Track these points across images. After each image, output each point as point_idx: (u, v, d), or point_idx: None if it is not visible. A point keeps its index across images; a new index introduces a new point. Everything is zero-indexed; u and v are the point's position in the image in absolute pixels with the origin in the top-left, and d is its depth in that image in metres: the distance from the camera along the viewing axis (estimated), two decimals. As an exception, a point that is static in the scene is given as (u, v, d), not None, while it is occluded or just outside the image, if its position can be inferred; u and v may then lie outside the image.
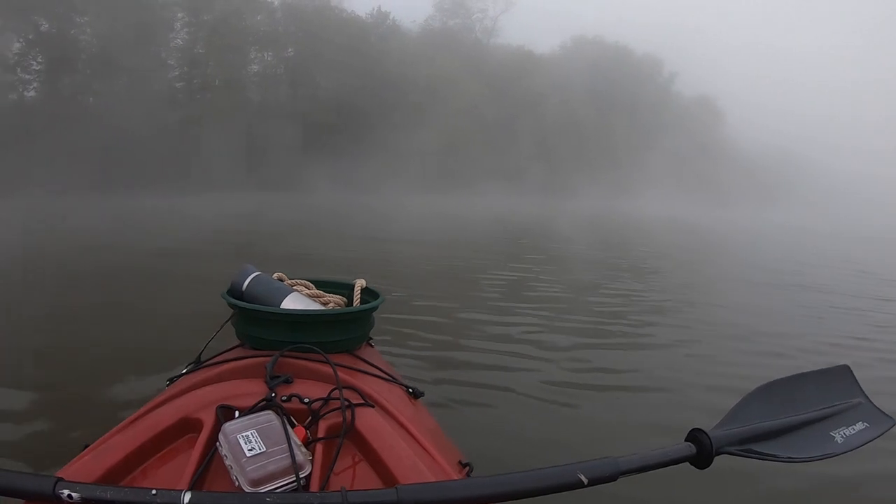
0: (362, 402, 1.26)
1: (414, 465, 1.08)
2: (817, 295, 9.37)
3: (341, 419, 1.16)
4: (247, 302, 1.63)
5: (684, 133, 50.59)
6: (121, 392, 3.72)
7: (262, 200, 24.97)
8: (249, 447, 0.99)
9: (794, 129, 60.00)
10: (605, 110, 47.21)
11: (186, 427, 1.14)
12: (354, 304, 1.82)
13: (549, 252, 13.56)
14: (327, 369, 1.36)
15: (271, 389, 1.23)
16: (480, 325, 6.09)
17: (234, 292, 1.71)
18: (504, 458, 2.96)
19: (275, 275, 1.85)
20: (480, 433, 3.35)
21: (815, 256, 15.95)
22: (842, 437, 1.18)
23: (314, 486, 1.00)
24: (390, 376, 1.61)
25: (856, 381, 1.31)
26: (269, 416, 1.08)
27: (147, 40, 30.29)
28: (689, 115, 53.14)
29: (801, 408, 1.19)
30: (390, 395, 1.42)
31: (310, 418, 1.18)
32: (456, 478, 1.14)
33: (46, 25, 29.34)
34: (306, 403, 1.21)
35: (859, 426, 1.21)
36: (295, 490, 0.97)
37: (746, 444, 1.09)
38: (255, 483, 0.95)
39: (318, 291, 1.88)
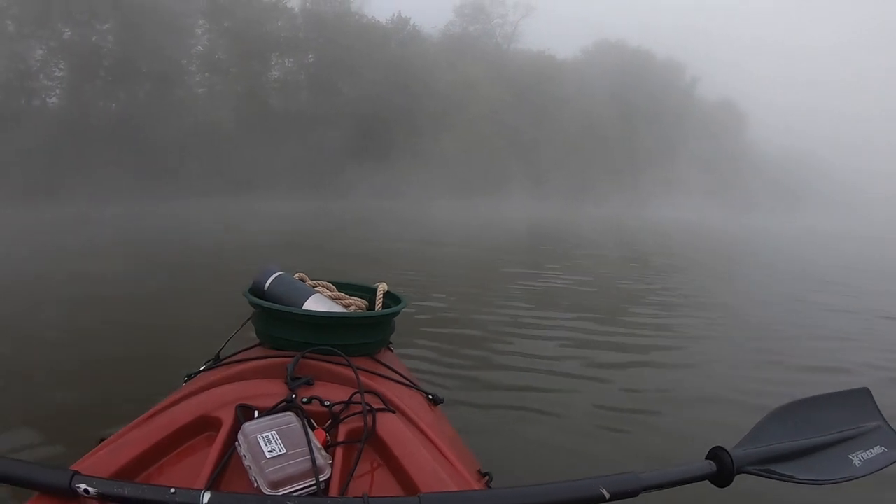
0: (383, 406, 1.25)
1: (435, 472, 1.05)
2: (851, 308, 8.86)
3: (362, 423, 1.15)
4: (268, 301, 1.62)
5: (708, 138, 50.03)
6: (137, 387, 3.64)
7: (298, 206, 25.42)
8: (269, 448, 0.98)
9: (819, 130, 58.97)
10: (627, 115, 46.75)
11: (205, 425, 1.12)
12: (377, 308, 1.81)
13: (573, 259, 13.42)
14: (348, 373, 1.35)
15: (292, 391, 1.23)
16: (501, 333, 5.99)
17: (256, 291, 1.71)
18: (522, 469, 2.95)
19: (296, 275, 1.85)
20: (498, 442, 3.34)
21: (849, 263, 15.54)
22: (860, 460, 1.17)
23: (333, 490, 0.98)
24: (410, 382, 1.59)
25: (875, 404, 1.30)
26: (289, 418, 1.07)
27: (169, 47, 30.36)
28: (712, 119, 52.47)
29: (819, 429, 1.18)
30: (411, 401, 1.40)
31: (330, 421, 1.17)
32: (476, 487, 1.11)
33: (69, 33, 29.51)
34: (327, 406, 1.20)
35: (877, 450, 1.19)
36: (314, 494, 0.95)
37: (766, 465, 1.08)
38: (275, 485, 0.93)
39: (339, 294, 1.87)
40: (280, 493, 0.93)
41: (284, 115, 33.66)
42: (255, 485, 0.96)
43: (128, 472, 0.98)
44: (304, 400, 1.21)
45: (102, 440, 1.11)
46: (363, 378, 1.33)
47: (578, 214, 30.59)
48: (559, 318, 6.77)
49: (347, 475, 1.02)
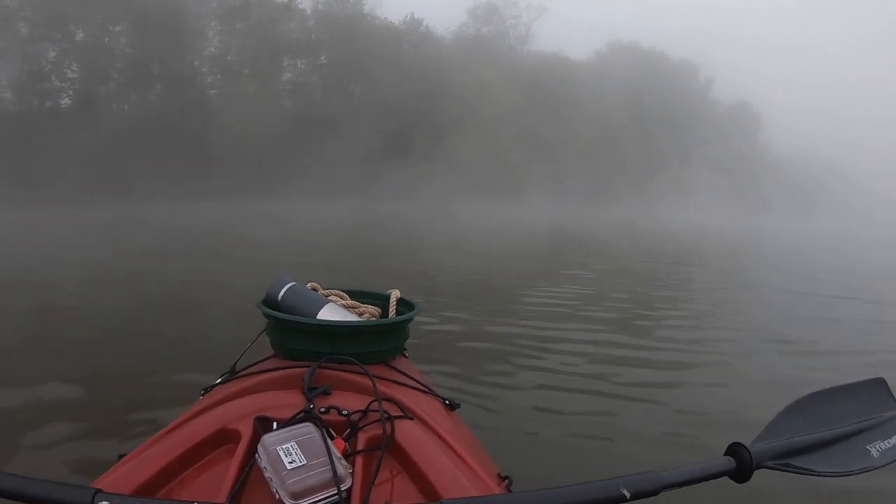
0: (401, 413, 1.25)
1: (455, 478, 1.05)
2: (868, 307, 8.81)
3: (381, 431, 1.14)
4: (282, 312, 1.62)
5: (723, 139, 49.69)
6: (155, 401, 3.64)
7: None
8: (290, 460, 0.97)
9: (835, 133, 58.36)
10: (641, 117, 46.50)
11: (224, 438, 1.12)
12: (390, 315, 1.80)
13: (589, 265, 13.14)
14: (364, 381, 1.35)
15: (309, 401, 1.22)
16: (516, 337, 5.90)
17: (270, 302, 1.70)
18: (542, 471, 2.92)
19: (308, 284, 1.84)
20: (517, 445, 3.32)
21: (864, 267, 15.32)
22: (878, 451, 1.16)
23: (355, 499, 0.98)
24: (426, 388, 1.58)
25: (891, 394, 1.30)
26: (308, 428, 1.06)
27: (181, 49, 30.38)
28: (726, 121, 52.13)
29: (836, 421, 1.18)
30: (428, 407, 1.39)
31: (349, 430, 1.17)
32: (497, 492, 1.11)
33: (82, 35, 29.61)
34: (345, 415, 1.20)
35: (895, 440, 1.19)
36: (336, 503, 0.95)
37: (784, 459, 1.09)
38: (296, 496, 0.93)
39: (353, 302, 1.86)
40: None
41: (307, 119, 33.78)
42: (277, 496, 0.96)
43: (149, 488, 0.99)
44: (322, 410, 1.20)
45: (122, 456, 1.11)
46: (380, 385, 1.33)
47: (593, 218, 30.40)
48: (575, 323, 6.66)
49: (368, 484, 1.02)
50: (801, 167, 54.65)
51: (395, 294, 1.87)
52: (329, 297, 1.82)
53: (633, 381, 4.63)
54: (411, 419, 1.24)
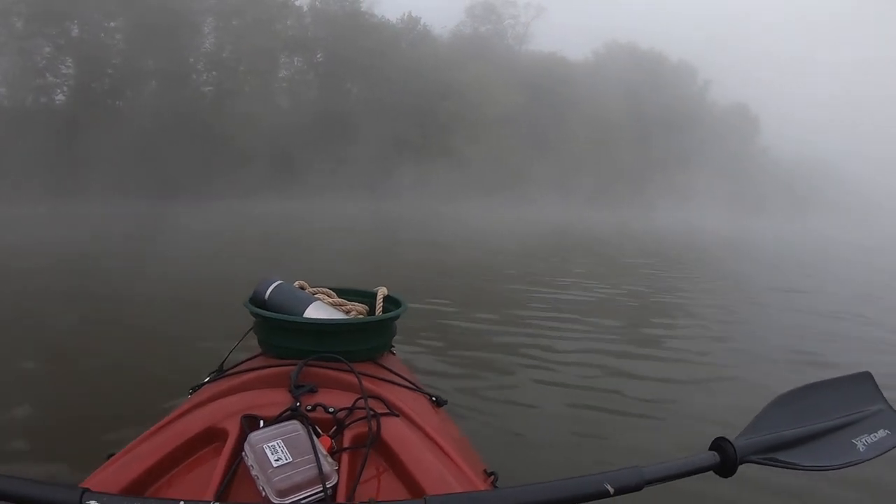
0: (387, 411, 1.25)
1: (440, 474, 1.06)
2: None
3: (367, 429, 1.15)
4: (269, 311, 1.63)
5: (720, 141, 49.63)
6: (144, 400, 3.61)
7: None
8: (276, 457, 0.98)
9: (833, 137, 58.43)
10: (639, 118, 46.39)
11: (211, 436, 1.13)
12: (377, 313, 1.80)
13: (583, 262, 13.27)
14: (351, 378, 1.35)
15: (296, 399, 1.22)
16: (506, 335, 5.98)
17: (257, 301, 1.70)
18: (529, 467, 2.92)
19: (296, 283, 1.84)
20: (504, 442, 3.34)
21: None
22: (864, 444, 1.15)
23: (341, 496, 0.99)
24: (413, 385, 1.59)
25: (877, 387, 1.29)
26: (294, 426, 1.06)
27: (177, 45, 30.21)
28: (724, 123, 52.09)
29: (822, 416, 1.17)
30: (414, 404, 1.39)
31: (335, 428, 1.17)
32: (482, 488, 1.12)
33: (77, 30, 29.43)
34: (331, 413, 1.20)
35: (881, 433, 1.18)
36: (322, 500, 0.96)
37: (769, 453, 1.08)
38: (282, 493, 0.94)
39: (340, 300, 1.86)
40: (288, 501, 0.94)
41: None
42: (263, 494, 0.96)
43: (137, 487, 0.99)
44: (309, 407, 1.20)
45: (111, 455, 1.11)
46: (366, 383, 1.34)
47: (589, 218, 30.56)
48: (567, 323, 6.64)
49: (354, 480, 1.03)
50: (797, 171, 54.74)
51: (381, 291, 1.85)
52: (316, 296, 1.81)
53: (620, 378, 4.67)
54: (397, 416, 1.25)
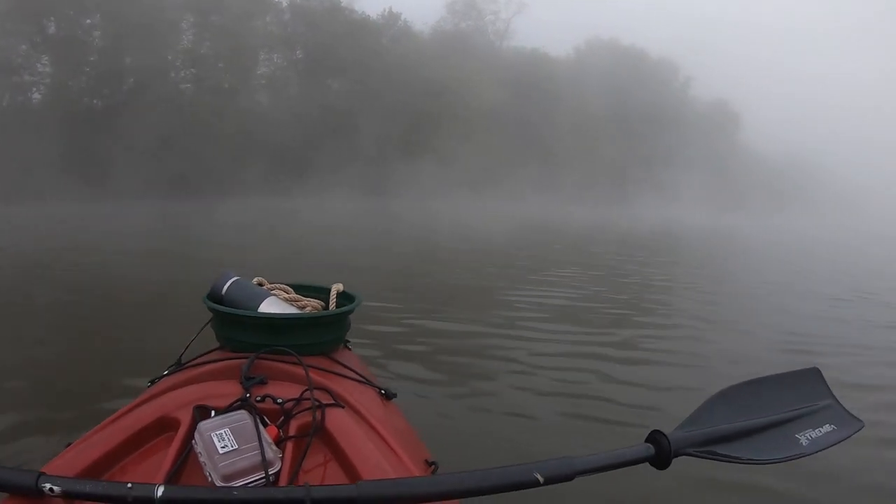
0: (333, 402, 1.29)
1: (378, 463, 1.10)
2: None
3: (311, 419, 1.19)
4: (226, 306, 1.68)
5: (702, 138, 49.82)
6: (104, 392, 3.71)
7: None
8: (222, 444, 1.02)
9: (811, 138, 59.01)
10: (621, 114, 46.43)
11: (164, 426, 1.17)
12: (330, 308, 1.85)
13: (550, 258, 13.39)
14: (301, 371, 1.38)
15: (246, 390, 1.26)
16: (466, 332, 6.05)
17: (214, 296, 1.74)
18: (474, 459, 2.97)
19: (255, 280, 1.88)
20: (451, 434, 3.42)
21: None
22: (807, 439, 1.18)
23: (283, 482, 1.02)
24: (364, 378, 1.63)
25: (825, 383, 1.32)
26: (242, 416, 1.11)
27: (154, 43, 29.86)
28: (706, 120, 52.32)
29: (766, 410, 1.19)
30: (361, 397, 1.44)
31: (282, 418, 1.21)
32: (418, 475, 1.16)
33: (54, 28, 29.01)
34: (279, 404, 1.23)
35: (827, 428, 1.21)
36: (264, 486, 0.99)
37: (707, 446, 1.10)
38: (227, 478, 0.97)
39: (296, 296, 1.90)
40: (231, 486, 0.96)
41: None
42: (210, 479, 1.00)
43: (92, 472, 1.02)
44: (258, 398, 1.24)
45: (69, 445, 1.12)
46: (316, 376, 1.38)
47: (569, 214, 30.84)
48: (529, 322, 6.62)
49: (296, 467, 1.07)
50: (777, 167, 55.17)
51: (336, 287, 1.90)
52: (273, 291, 1.85)
53: (570, 372, 4.74)
54: (342, 407, 1.29)
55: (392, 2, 41.49)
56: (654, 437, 1.07)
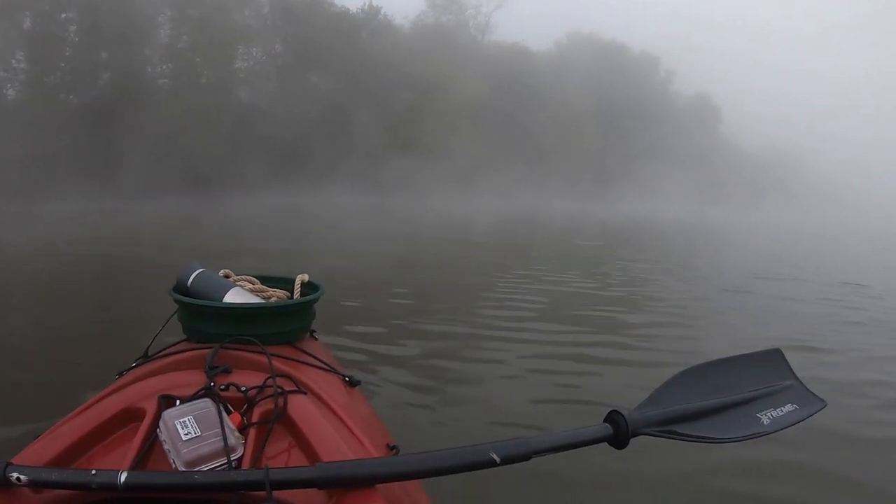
0: (295, 389, 1.31)
1: (338, 447, 1.11)
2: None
3: (273, 405, 1.20)
4: (192, 297, 1.70)
5: (684, 133, 50.00)
6: (74, 385, 3.64)
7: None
8: (185, 432, 1.04)
9: (790, 132, 59.64)
10: (602, 109, 46.48)
11: (130, 416, 1.18)
12: (295, 297, 1.87)
13: (523, 249, 13.53)
14: (265, 360, 1.40)
15: (210, 379, 1.28)
16: (429, 322, 6.04)
17: (180, 288, 1.77)
18: (437, 444, 2.72)
19: (221, 271, 1.90)
20: (417, 420, 3.43)
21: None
22: (769, 418, 1.19)
23: (245, 466, 1.03)
24: (328, 366, 1.66)
25: (787, 363, 1.33)
26: (205, 403, 1.12)
27: (131, 37, 29.47)
28: (687, 114, 52.49)
29: (728, 390, 1.20)
30: (325, 384, 1.46)
31: (245, 405, 1.23)
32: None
33: (29, 23, 28.51)
34: (242, 391, 1.25)
35: (788, 408, 1.23)
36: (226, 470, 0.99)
37: (666, 426, 1.11)
38: (190, 464, 0.99)
39: (261, 286, 1.93)
40: (194, 471, 0.95)
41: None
42: (174, 465, 1.01)
43: (58, 462, 1.03)
44: (222, 387, 1.26)
45: (38, 437, 1.13)
46: (279, 364, 1.41)
47: (544, 208, 31.24)
48: (500, 311, 6.67)
49: (258, 452, 1.09)
50: (758, 162, 55.70)
51: (300, 278, 1.94)
52: (238, 283, 1.89)
53: (533, 359, 4.76)
54: (305, 394, 1.31)
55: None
56: (612, 416, 1.09)
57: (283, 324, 1.69)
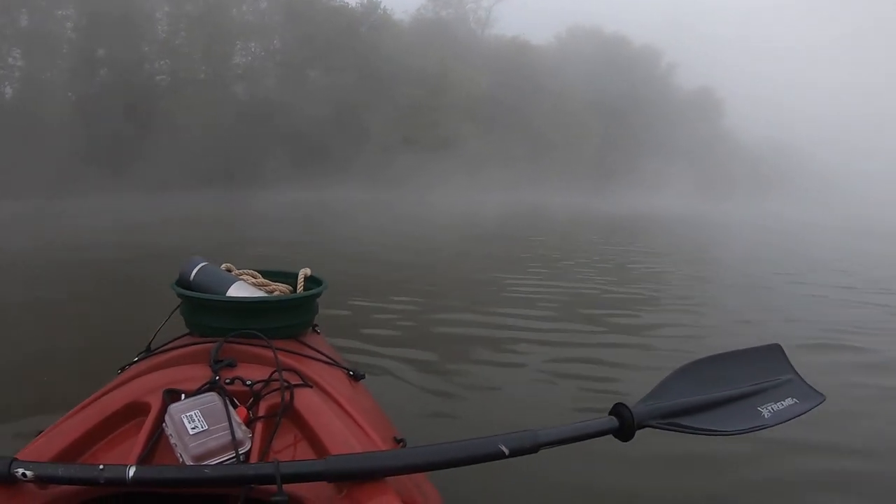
0: (301, 383, 1.30)
1: (346, 440, 1.11)
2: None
3: (280, 399, 1.20)
4: (194, 291, 1.69)
5: (687, 126, 49.79)
6: (77, 381, 3.41)
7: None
8: (193, 426, 1.03)
9: (792, 124, 59.26)
10: (603, 102, 46.28)
11: (135, 410, 1.17)
12: (298, 291, 1.87)
13: (518, 245, 13.39)
14: (269, 354, 1.40)
15: (215, 373, 1.26)
16: (433, 316, 6.05)
17: (183, 282, 1.76)
18: (442, 437, 2.73)
19: (223, 265, 1.90)
20: (422, 414, 3.42)
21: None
22: (769, 412, 1.21)
23: (253, 460, 1.04)
24: (332, 360, 1.65)
25: (787, 358, 1.35)
26: (212, 397, 1.13)
27: (129, 33, 29.39)
28: (689, 107, 52.24)
29: (729, 384, 1.22)
30: (330, 377, 1.47)
31: (252, 399, 1.23)
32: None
33: (26, 21, 28.44)
34: (248, 385, 1.25)
35: (788, 402, 1.24)
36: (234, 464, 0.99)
37: (670, 419, 1.12)
38: (198, 458, 0.99)
39: (264, 280, 1.92)
40: (202, 465, 0.96)
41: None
42: (181, 460, 1.01)
43: (63, 458, 1.02)
44: (228, 381, 1.25)
45: (41, 432, 1.12)
46: (284, 358, 1.39)
47: (546, 203, 31.23)
48: (500, 306, 6.58)
49: (266, 446, 1.09)
50: (762, 155, 55.30)
51: (303, 272, 1.92)
52: (241, 277, 1.86)
53: (538, 351, 4.78)
54: (311, 387, 1.31)
55: (370, -11, 41.03)
56: (618, 409, 1.11)
57: (287, 318, 1.69)
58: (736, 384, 1.24)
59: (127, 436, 1.13)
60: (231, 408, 1.11)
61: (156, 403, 1.16)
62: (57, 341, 4.79)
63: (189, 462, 0.99)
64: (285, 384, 1.24)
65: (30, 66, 28.49)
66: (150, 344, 1.68)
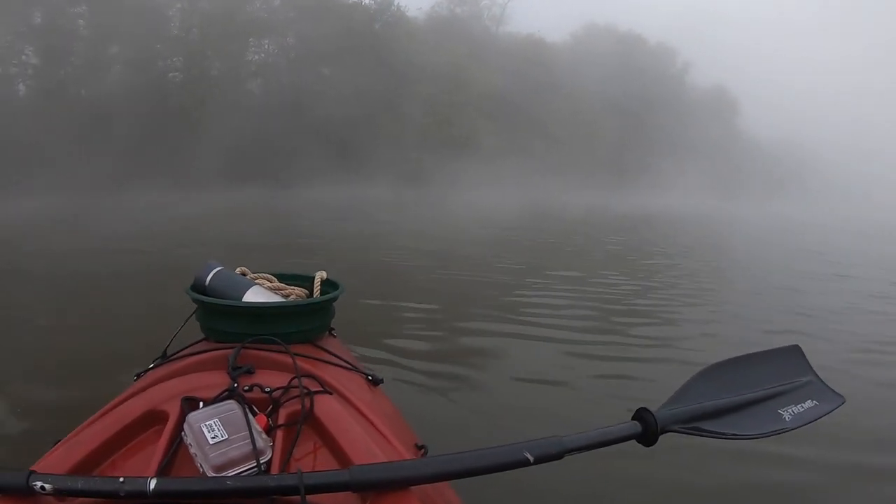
0: (321, 389, 1.28)
1: (368, 447, 1.09)
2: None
3: (300, 406, 1.19)
4: (210, 296, 1.67)
5: (699, 124, 49.55)
6: (91, 388, 3.51)
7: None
8: (212, 435, 1.02)
9: (807, 126, 58.80)
10: (618, 101, 46.07)
11: (153, 419, 1.16)
12: (315, 296, 1.86)
13: (531, 246, 13.38)
14: (288, 359, 1.39)
15: (233, 380, 1.26)
16: (451, 318, 6.08)
17: (198, 287, 1.75)
18: (463, 443, 2.73)
19: (238, 269, 1.87)
20: (439, 418, 3.39)
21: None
22: (790, 414, 1.19)
23: (274, 470, 1.03)
24: (350, 364, 1.63)
25: (806, 360, 1.33)
26: (231, 405, 1.11)
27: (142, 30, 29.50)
28: (704, 106, 51.95)
29: (749, 387, 1.21)
30: (349, 383, 1.45)
31: (271, 406, 1.21)
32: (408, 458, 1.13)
33: (40, 18, 28.57)
34: (267, 392, 1.23)
35: (809, 404, 1.23)
36: (256, 474, 0.98)
37: (692, 423, 1.11)
38: (219, 469, 0.98)
39: (279, 284, 1.91)
40: (223, 476, 0.95)
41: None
42: (201, 470, 0.99)
43: (81, 469, 1.00)
44: (246, 388, 1.23)
45: (57, 442, 1.12)
46: (302, 363, 1.38)
47: (562, 201, 30.94)
48: (511, 310, 6.53)
49: (287, 455, 1.07)
50: (776, 154, 55.06)
51: (320, 275, 1.91)
52: (256, 281, 1.85)
53: (558, 355, 4.76)
54: (330, 394, 1.28)
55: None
56: (641, 414, 1.09)
57: (305, 322, 1.66)
58: (756, 386, 1.22)
59: (145, 445, 1.11)
60: (251, 416, 1.09)
61: (174, 412, 1.14)
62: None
63: (210, 472, 0.97)
64: (305, 391, 1.22)
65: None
66: (165, 350, 1.65)
